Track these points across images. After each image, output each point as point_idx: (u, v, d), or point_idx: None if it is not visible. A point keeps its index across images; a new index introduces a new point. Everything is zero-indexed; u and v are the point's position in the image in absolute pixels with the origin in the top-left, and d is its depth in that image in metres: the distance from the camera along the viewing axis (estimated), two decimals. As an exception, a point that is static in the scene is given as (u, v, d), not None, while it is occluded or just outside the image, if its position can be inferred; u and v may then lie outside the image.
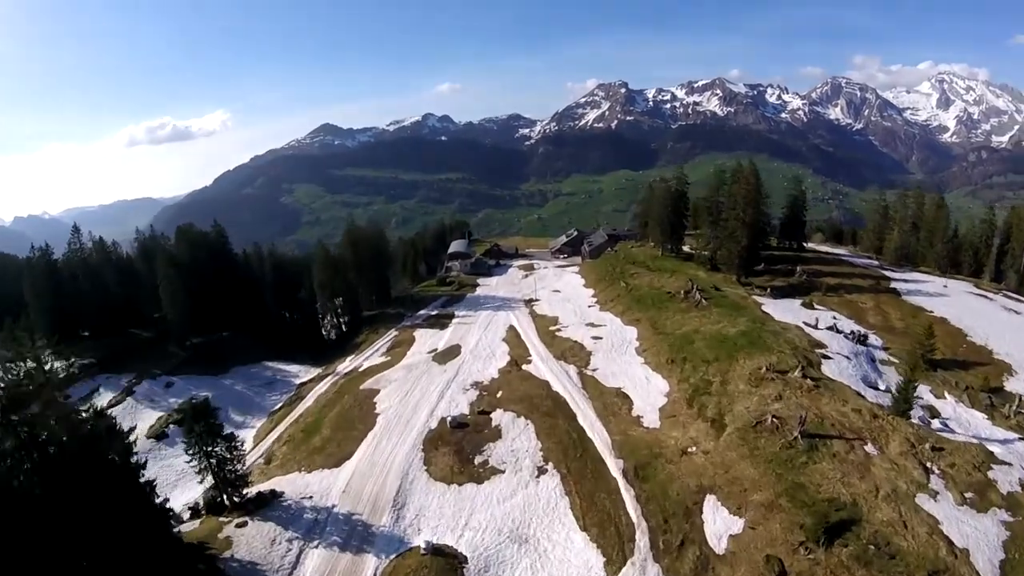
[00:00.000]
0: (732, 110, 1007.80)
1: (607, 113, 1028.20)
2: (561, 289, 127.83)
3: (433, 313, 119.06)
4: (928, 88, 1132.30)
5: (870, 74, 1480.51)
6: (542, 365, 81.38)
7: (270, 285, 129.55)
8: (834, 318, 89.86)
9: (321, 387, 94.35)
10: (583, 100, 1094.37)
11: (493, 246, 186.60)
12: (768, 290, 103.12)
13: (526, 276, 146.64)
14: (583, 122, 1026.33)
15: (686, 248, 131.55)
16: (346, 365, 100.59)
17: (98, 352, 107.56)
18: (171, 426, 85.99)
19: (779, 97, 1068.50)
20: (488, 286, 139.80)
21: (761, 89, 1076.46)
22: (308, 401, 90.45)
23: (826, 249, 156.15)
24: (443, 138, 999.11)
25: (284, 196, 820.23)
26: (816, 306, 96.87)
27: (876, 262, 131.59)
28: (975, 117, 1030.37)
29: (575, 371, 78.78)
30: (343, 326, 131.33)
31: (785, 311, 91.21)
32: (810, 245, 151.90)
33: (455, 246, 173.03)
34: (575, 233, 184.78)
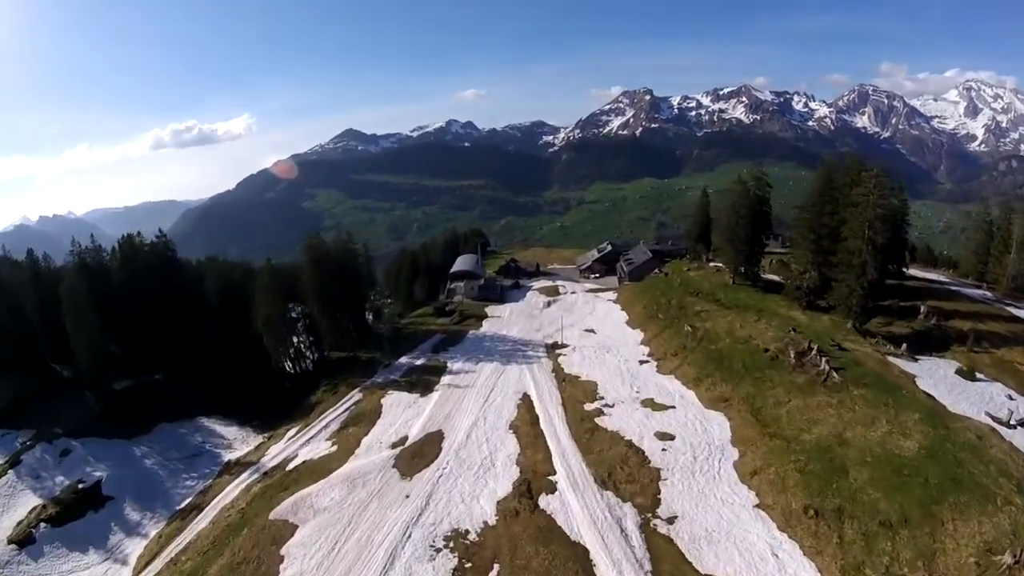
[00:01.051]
0: (758, 118, 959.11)
1: (631, 120, 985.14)
2: (596, 328, 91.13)
3: (418, 363, 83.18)
4: (955, 96, 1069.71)
5: (896, 82, 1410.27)
6: (574, 501, 44.63)
7: (215, 312, 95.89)
8: (1010, 397, 56.38)
9: (231, 490, 60.45)
10: (607, 107, 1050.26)
11: (509, 261, 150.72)
12: (904, 346, 66.70)
13: (548, 304, 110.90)
14: (607, 129, 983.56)
15: (764, 273, 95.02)
16: (279, 449, 66.54)
17: (5, 396, 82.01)
18: (42, 525, 61.19)
19: (805, 105, 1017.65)
20: (498, 319, 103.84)
21: (787, 97, 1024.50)
22: (205, 518, 57.05)
23: (924, 275, 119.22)
24: (466, 144, 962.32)
25: (306, 201, 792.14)
26: (977, 375, 61.40)
27: (988, 293, 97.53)
28: (1004, 125, 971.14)
29: (635, 522, 42.05)
30: (302, 368, 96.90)
31: (951, 390, 56.50)
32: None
33: (461, 262, 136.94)
34: (608, 248, 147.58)
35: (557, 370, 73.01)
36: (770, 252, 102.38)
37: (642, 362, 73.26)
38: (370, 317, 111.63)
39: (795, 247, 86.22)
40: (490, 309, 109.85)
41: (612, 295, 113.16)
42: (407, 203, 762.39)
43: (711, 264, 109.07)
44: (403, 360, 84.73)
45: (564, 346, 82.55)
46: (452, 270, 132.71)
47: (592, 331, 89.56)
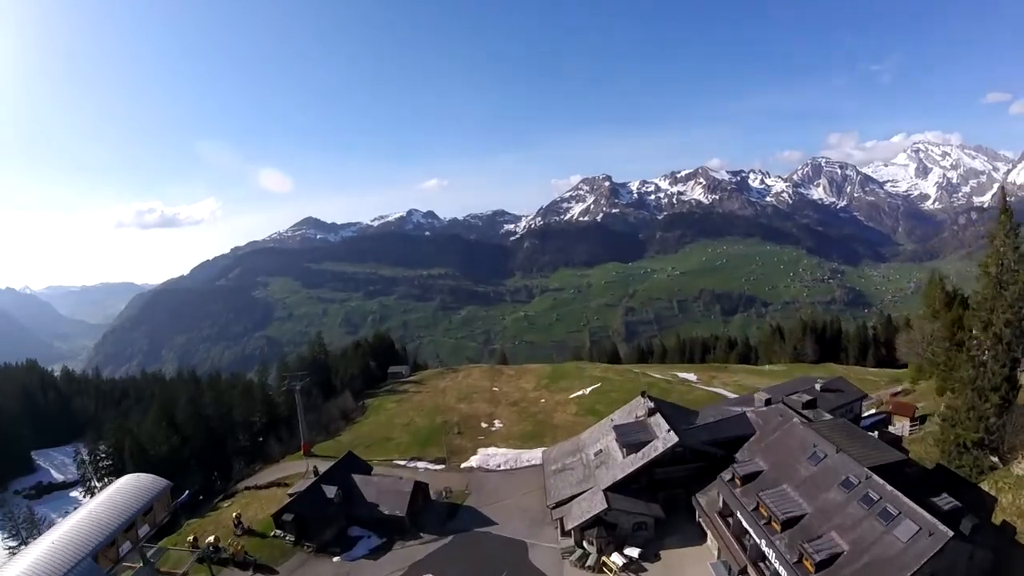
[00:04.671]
0: (717, 197, 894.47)
1: (592, 206, 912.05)
2: None
3: None
4: (905, 159, 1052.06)
5: (846, 152, 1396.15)
6: None
7: None
8: None
9: None
10: (568, 194, 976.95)
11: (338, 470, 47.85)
12: None
13: None
14: (568, 216, 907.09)
15: None
16: None
17: None
18: None
19: (762, 181, 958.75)
20: None
21: (743, 175, 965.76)
22: None
23: None
24: (427, 233, 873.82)
25: (258, 289, 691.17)
26: None
27: None
28: (954, 181, 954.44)
29: None
30: None
31: None
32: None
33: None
34: (658, 425, 44.38)
35: None
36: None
37: None
38: None
39: None
40: None
41: None
42: (364, 293, 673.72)
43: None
44: None
45: None
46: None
47: None
